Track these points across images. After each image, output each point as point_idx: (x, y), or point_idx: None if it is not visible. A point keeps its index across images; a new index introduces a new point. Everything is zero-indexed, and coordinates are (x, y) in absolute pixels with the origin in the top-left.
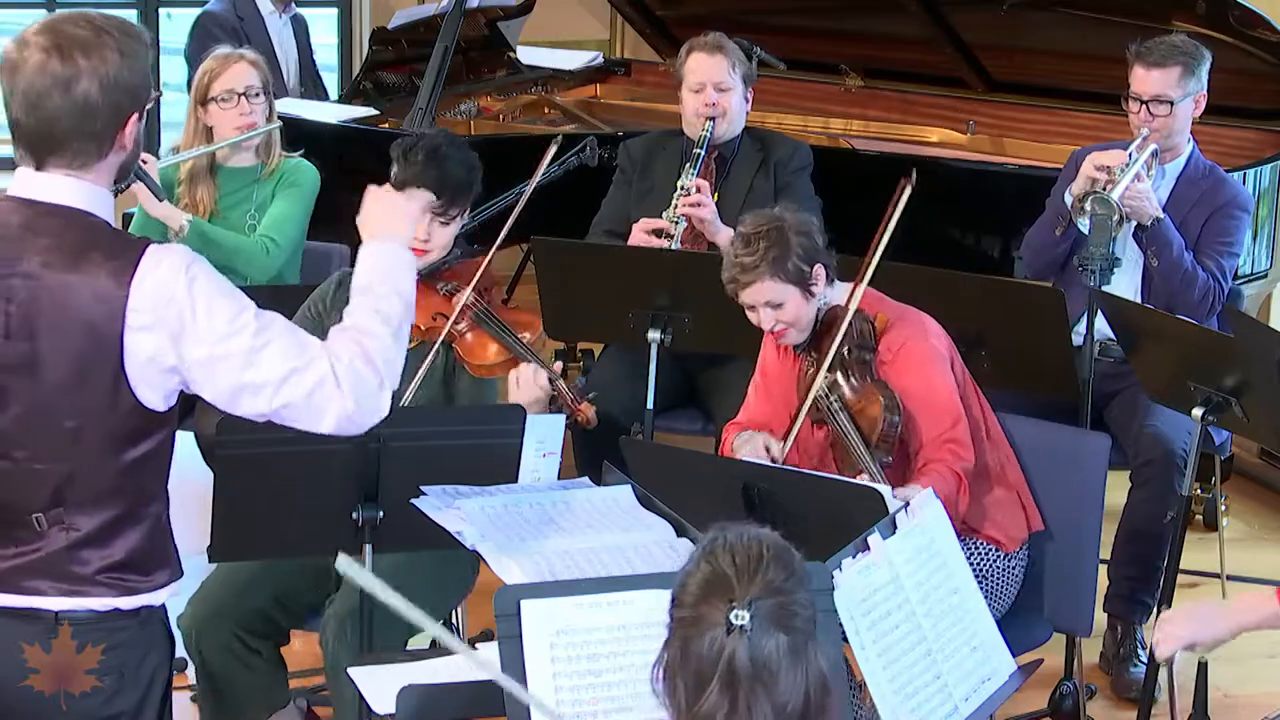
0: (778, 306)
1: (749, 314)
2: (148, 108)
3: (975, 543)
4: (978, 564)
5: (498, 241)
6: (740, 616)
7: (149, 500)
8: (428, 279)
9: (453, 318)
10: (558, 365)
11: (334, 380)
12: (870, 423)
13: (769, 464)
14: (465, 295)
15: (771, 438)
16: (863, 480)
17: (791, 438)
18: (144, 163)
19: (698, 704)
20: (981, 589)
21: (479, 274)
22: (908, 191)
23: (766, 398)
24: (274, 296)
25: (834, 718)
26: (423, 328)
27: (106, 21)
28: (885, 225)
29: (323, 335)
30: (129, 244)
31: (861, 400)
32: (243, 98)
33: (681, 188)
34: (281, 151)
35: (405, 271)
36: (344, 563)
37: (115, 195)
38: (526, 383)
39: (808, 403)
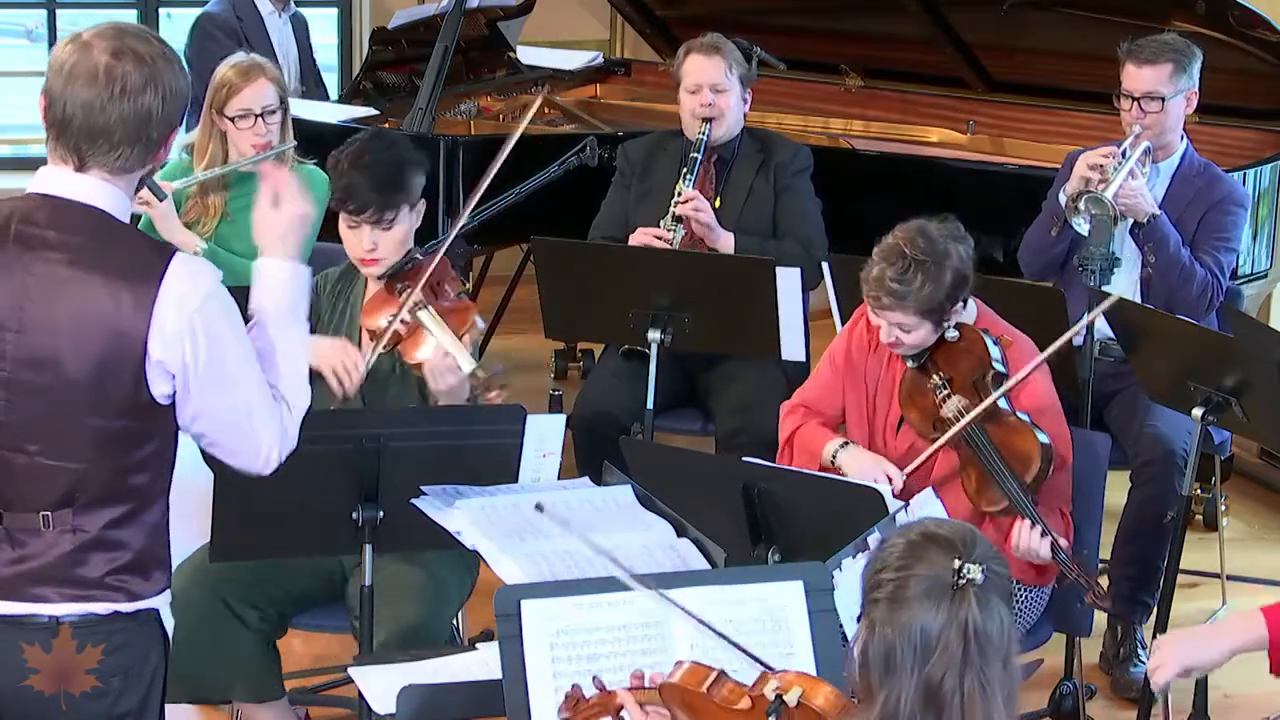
0: (906, 331)
1: (870, 315)
2: None
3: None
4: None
5: (448, 239)
6: (971, 570)
7: (153, 501)
8: (389, 281)
9: (397, 315)
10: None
11: (270, 444)
12: (1023, 463)
13: (769, 464)
14: (412, 293)
15: (891, 465)
16: (1028, 529)
17: (914, 466)
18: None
19: (928, 665)
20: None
21: (425, 273)
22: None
23: (844, 382)
24: None
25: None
26: (378, 330)
27: (157, 36)
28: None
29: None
30: (155, 250)
31: (1010, 435)
32: (259, 119)
33: (678, 193)
34: (294, 159)
35: (303, 294)
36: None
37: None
38: (434, 369)
39: (949, 435)
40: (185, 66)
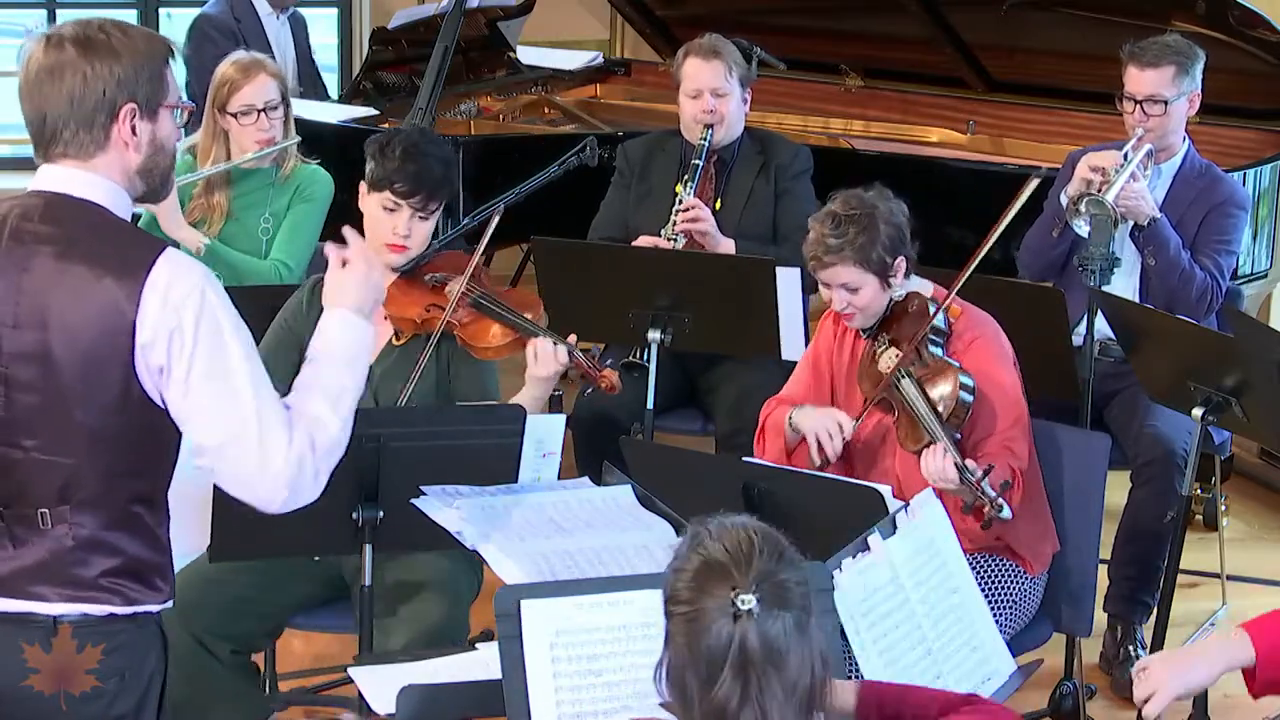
0: (853, 291)
1: (821, 289)
2: (172, 113)
3: (1002, 561)
4: (1002, 583)
5: (488, 232)
6: (746, 601)
7: (151, 509)
8: (411, 274)
9: (450, 305)
10: (571, 338)
11: (279, 468)
12: (942, 397)
13: (770, 464)
14: (461, 282)
15: (841, 413)
16: (933, 453)
17: (862, 416)
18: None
19: (710, 694)
20: (1002, 609)
21: (473, 261)
22: (1032, 187)
23: (815, 378)
24: (275, 295)
25: (831, 689)
26: (418, 320)
27: (112, 24)
28: (1000, 223)
29: (297, 349)
30: (146, 244)
31: (934, 374)
32: (262, 114)
33: (680, 201)
34: (298, 156)
35: (364, 352)
36: None
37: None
38: (545, 356)
39: (885, 379)
40: (152, 50)
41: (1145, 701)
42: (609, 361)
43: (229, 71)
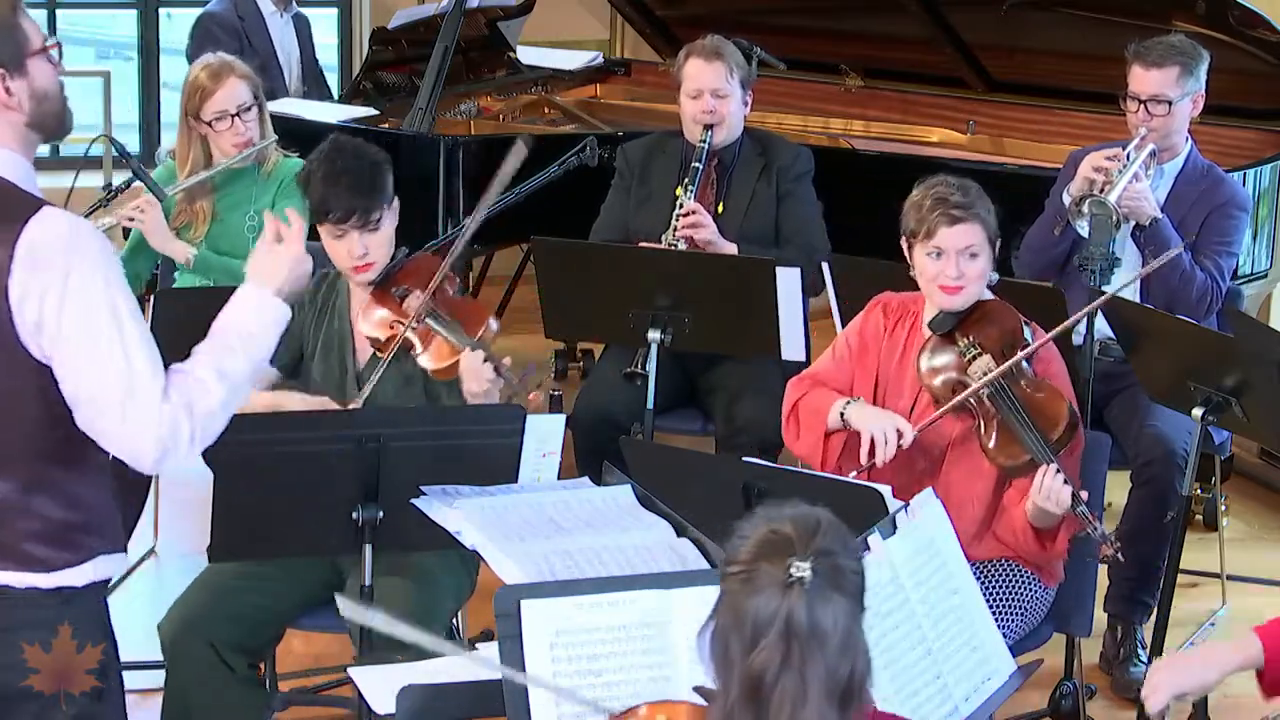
0: (973, 258)
1: (926, 263)
2: (44, 57)
3: (1020, 569)
4: (1017, 589)
5: (455, 250)
6: (801, 569)
7: (67, 469)
8: (381, 286)
9: (408, 324)
10: (507, 360)
11: (149, 425)
12: (1050, 420)
13: (770, 464)
14: (421, 300)
15: (903, 420)
16: (1051, 474)
17: (932, 421)
18: (149, 202)
19: (750, 657)
20: (1013, 613)
21: (434, 280)
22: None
23: (857, 362)
24: None
25: (869, 695)
26: (383, 339)
27: None
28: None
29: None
30: (23, 203)
31: (1040, 394)
32: (236, 118)
33: (680, 206)
34: (279, 152)
35: (270, 332)
36: (346, 608)
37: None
38: (469, 371)
39: (975, 387)
40: None
41: (1148, 697)
42: (539, 383)
43: (199, 78)
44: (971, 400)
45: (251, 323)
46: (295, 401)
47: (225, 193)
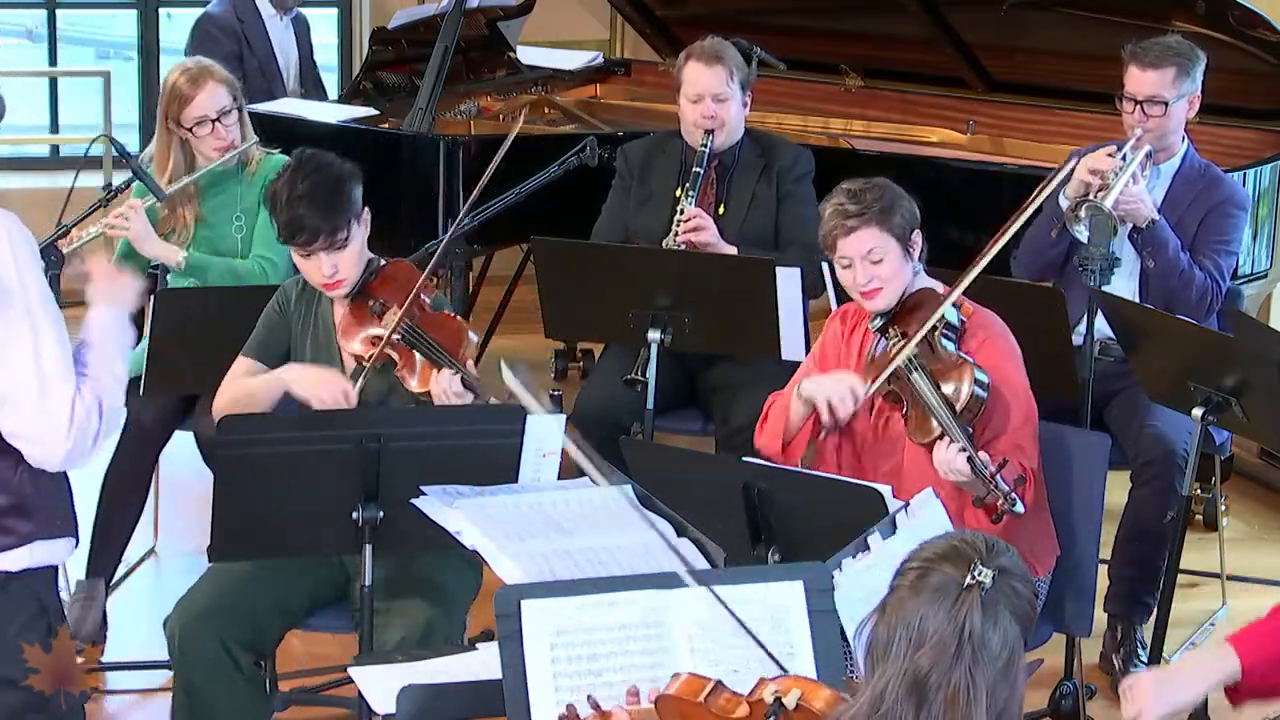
0: (877, 262)
1: (843, 273)
2: None
3: None
4: None
5: (433, 260)
6: (983, 574)
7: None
8: (357, 298)
9: (384, 341)
10: (470, 365)
11: (61, 422)
12: (956, 391)
13: (770, 464)
14: (398, 316)
15: (855, 376)
16: (945, 445)
17: (869, 389)
18: (132, 209)
19: (918, 654)
20: None
21: (410, 295)
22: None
23: (820, 374)
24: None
25: None
26: (364, 355)
27: None
28: (1011, 225)
29: (287, 333)
30: None
31: (948, 368)
32: (217, 123)
33: (680, 211)
34: (261, 150)
35: (123, 344)
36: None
37: None
38: (444, 392)
39: (892, 365)
40: None
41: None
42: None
43: (178, 83)
44: (896, 387)
45: (120, 338)
46: (296, 372)
47: (210, 196)
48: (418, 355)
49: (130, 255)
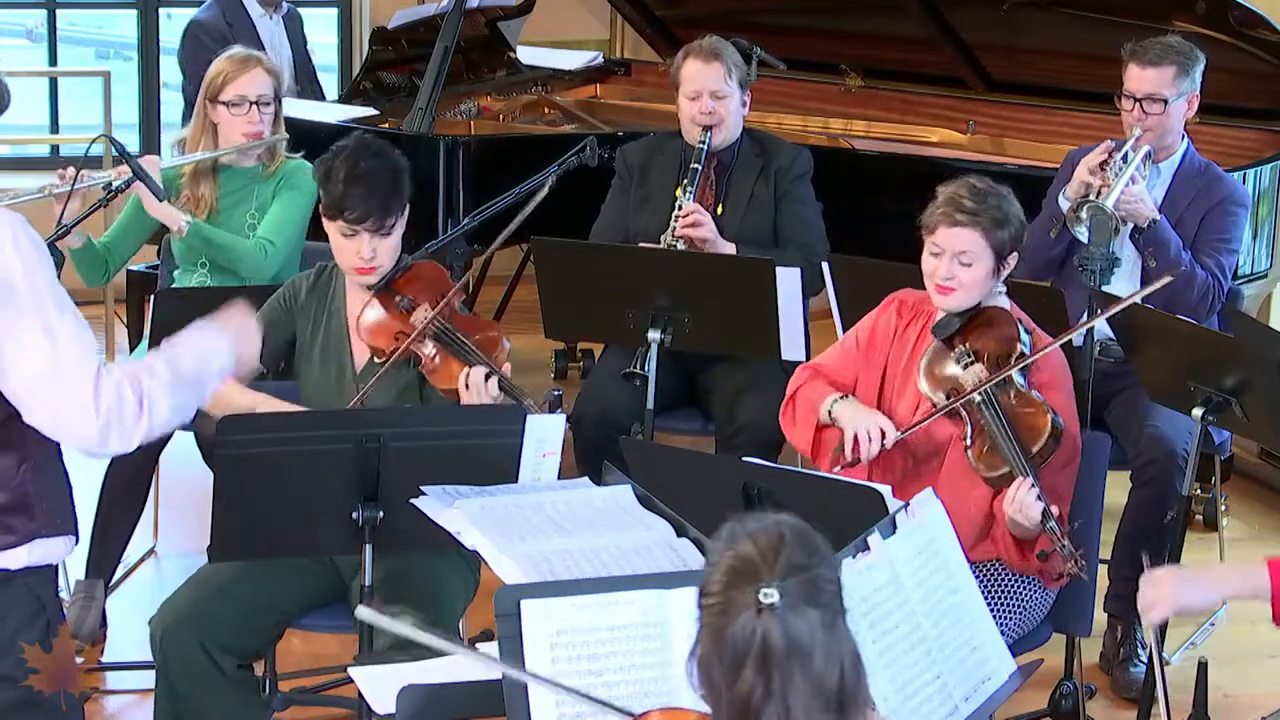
0: (967, 264)
1: (928, 258)
2: None
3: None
4: (1016, 589)
5: (494, 245)
6: (769, 595)
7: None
8: (384, 292)
9: (414, 336)
10: (506, 367)
11: (88, 399)
12: (1031, 434)
13: (770, 464)
14: (431, 316)
15: (888, 421)
16: (1023, 488)
17: (920, 424)
18: (147, 161)
19: (734, 687)
20: (1011, 613)
21: (448, 296)
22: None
23: (866, 358)
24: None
25: (866, 695)
26: (387, 350)
27: None
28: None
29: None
30: None
31: (1026, 409)
32: (254, 106)
33: (679, 207)
34: (284, 154)
35: (214, 370)
36: (365, 614)
37: None
38: (475, 385)
39: (964, 398)
40: None
41: (1149, 608)
42: (559, 409)
43: (223, 64)
44: (960, 408)
45: (208, 345)
46: (273, 405)
47: (228, 189)
48: (450, 353)
49: (129, 226)
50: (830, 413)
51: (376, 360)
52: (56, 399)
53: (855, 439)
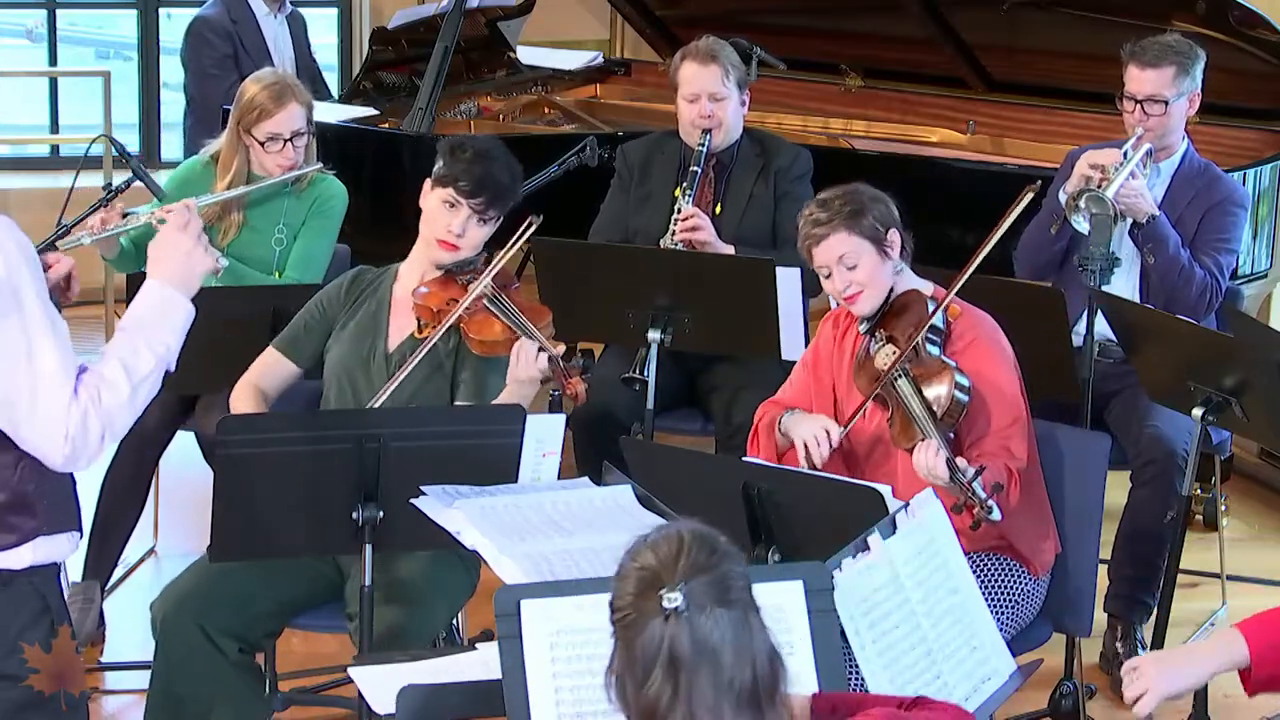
0: (852, 267)
1: (825, 284)
2: None
3: (1005, 561)
4: (1004, 583)
5: (515, 240)
6: (673, 599)
7: None
8: (452, 272)
9: (465, 302)
10: (560, 348)
11: (58, 424)
12: (937, 395)
13: (769, 464)
14: (482, 281)
15: (830, 420)
16: (924, 449)
17: (856, 417)
18: (187, 208)
19: (641, 694)
20: (1003, 608)
21: (496, 263)
22: (1028, 198)
23: (811, 380)
24: (276, 295)
25: (785, 688)
26: (434, 309)
27: None
28: (998, 228)
29: (326, 334)
30: None
31: (930, 373)
32: (289, 142)
33: (678, 210)
34: (315, 166)
35: (176, 328)
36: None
37: None
38: (526, 359)
39: (880, 383)
40: None
41: (1136, 701)
42: (586, 374)
43: (259, 97)
44: (882, 391)
45: (157, 323)
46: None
47: (257, 204)
48: (494, 315)
49: (141, 243)
50: (780, 428)
51: (416, 335)
52: (27, 422)
53: (806, 447)
